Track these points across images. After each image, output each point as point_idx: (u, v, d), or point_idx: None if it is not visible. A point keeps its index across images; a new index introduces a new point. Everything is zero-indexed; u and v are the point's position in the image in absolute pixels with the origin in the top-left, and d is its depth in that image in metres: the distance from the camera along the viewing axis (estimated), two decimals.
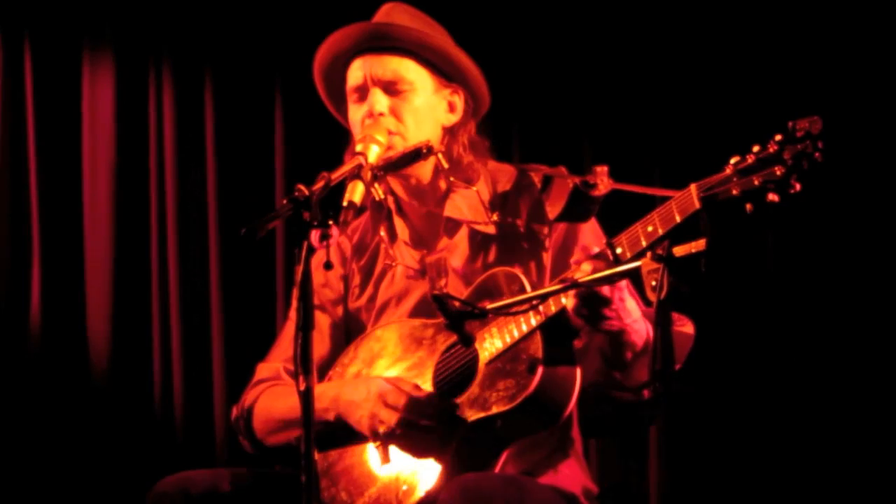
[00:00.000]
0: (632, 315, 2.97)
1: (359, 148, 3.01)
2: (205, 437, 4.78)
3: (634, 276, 2.82)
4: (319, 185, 2.80)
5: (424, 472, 3.14)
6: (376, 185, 3.17)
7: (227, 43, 4.86)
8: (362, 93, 3.36)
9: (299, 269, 2.69)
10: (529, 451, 3.25)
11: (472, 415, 3.10)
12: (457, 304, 2.95)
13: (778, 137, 2.53)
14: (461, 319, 2.95)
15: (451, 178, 3.39)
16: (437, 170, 3.37)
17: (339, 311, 3.52)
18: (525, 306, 2.99)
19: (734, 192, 2.60)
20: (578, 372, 3.07)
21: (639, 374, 3.06)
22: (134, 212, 4.90)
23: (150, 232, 4.86)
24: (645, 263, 2.73)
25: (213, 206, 4.80)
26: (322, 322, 3.50)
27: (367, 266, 3.51)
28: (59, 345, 4.88)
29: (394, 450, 3.19)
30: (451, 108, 3.41)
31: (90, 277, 4.88)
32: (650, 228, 2.75)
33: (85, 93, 4.92)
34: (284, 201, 2.76)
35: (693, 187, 2.67)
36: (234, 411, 3.48)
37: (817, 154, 2.51)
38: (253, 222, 2.75)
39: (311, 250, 2.71)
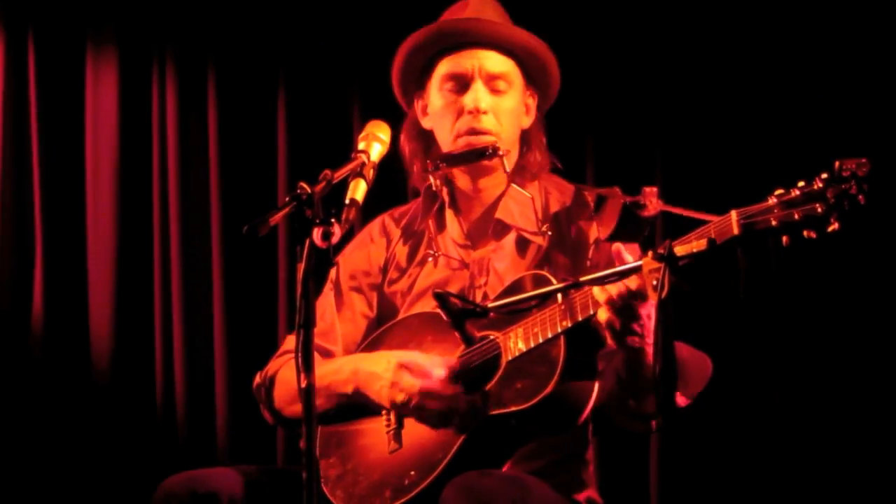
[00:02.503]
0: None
1: (361, 146, 3.02)
2: (207, 436, 4.78)
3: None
4: (322, 183, 2.81)
5: (432, 461, 3.15)
6: (432, 175, 3.34)
7: (230, 38, 4.86)
8: (461, 83, 3.40)
9: (301, 267, 2.70)
10: (539, 455, 3.27)
11: (488, 410, 3.12)
12: (458, 302, 2.96)
13: (824, 175, 2.54)
14: (463, 318, 2.96)
15: (511, 183, 3.44)
16: (498, 171, 3.42)
17: (375, 294, 3.55)
18: (526, 305, 3.00)
19: (773, 222, 2.61)
20: (597, 384, 3.09)
21: (652, 403, 3.07)
22: (136, 208, 4.91)
23: (153, 229, 4.86)
24: (646, 263, 2.74)
25: (216, 203, 4.80)
26: (357, 304, 3.54)
27: (410, 252, 3.54)
28: (62, 343, 4.89)
29: (406, 435, 3.21)
30: (528, 110, 3.48)
31: (93, 275, 4.88)
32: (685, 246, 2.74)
33: (88, 88, 4.92)
34: (287, 199, 2.77)
35: (734, 213, 2.67)
36: (257, 378, 3.50)
37: (861, 196, 2.51)
38: (255, 220, 2.76)
39: (314, 248, 2.71)
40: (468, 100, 3.38)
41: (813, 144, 4.17)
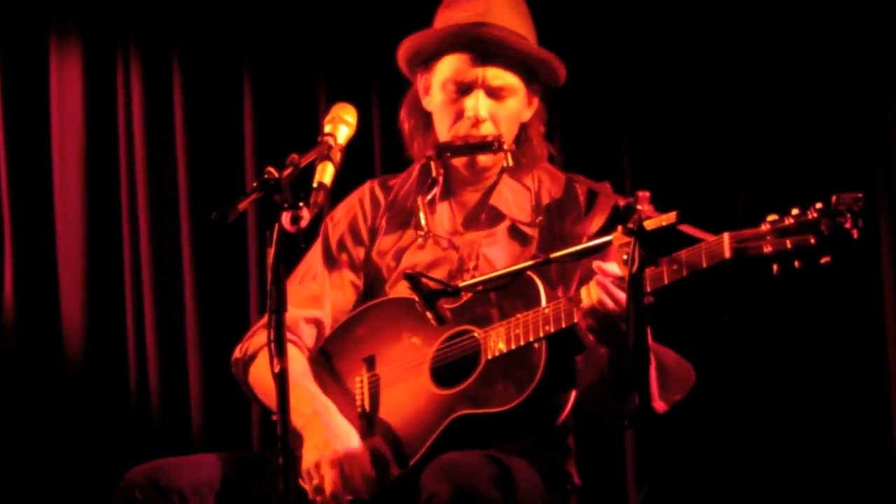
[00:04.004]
0: None
1: (328, 129, 3.01)
2: (181, 422, 4.77)
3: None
4: (289, 167, 2.80)
5: (406, 453, 3.17)
6: (434, 162, 3.35)
7: (194, 26, 4.84)
8: (463, 88, 3.41)
9: (271, 252, 2.69)
10: (515, 440, 3.27)
11: (463, 409, 3.13)
12: (429, 282, 2.96)
13: (819, 206, 2.55)
14: (434, 298, 2.96)
15: (507, 174, 3.47)
16: (499, 162, 3.45)
17: (363, 261, 3.56)
18: (497, 284, 3.00)
19: (765, 249, 2.63)
20: (574, 392, 3.12)
21: (632, 402, 3.05)
22: (105, 198, 4.88)
23: (122, 217, 4.84)
24: (616, 237, 2.74)
25: (184, 191, 4.78)
26: (346, 271, 3.55)
27: (399, 227, 3.54)
28: (34, 332, 4.87)
29: (377, 425, 3.22)
30: (530, 102, 3.49)
31: (63, 264, 4.86)
32: (675, 267, 2.78)
33: (53, 79, 4.89)
34: (255, 184, 2.76)
35: (726, 237, 2.69)
36: (236, 353, 3.51)
37: (854, 231, 2.53)
38: (224, 206, 2.75)
39: (283, 232, 2.71)
40: (468, 106, 3.39)
41: (780, 137, 4.18)
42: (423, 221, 3.51)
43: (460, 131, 3.40)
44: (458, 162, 3.46)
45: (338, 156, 2.96)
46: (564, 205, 3.44)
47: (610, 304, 2.90)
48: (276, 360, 2.67)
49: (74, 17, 4.92)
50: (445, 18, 3.48)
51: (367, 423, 3.28)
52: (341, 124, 3.04)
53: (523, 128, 3.50)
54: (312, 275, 3.56)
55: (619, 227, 2.74)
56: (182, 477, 3.19)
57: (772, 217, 2.62)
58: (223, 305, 4.75)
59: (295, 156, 2.85)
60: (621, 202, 2.78)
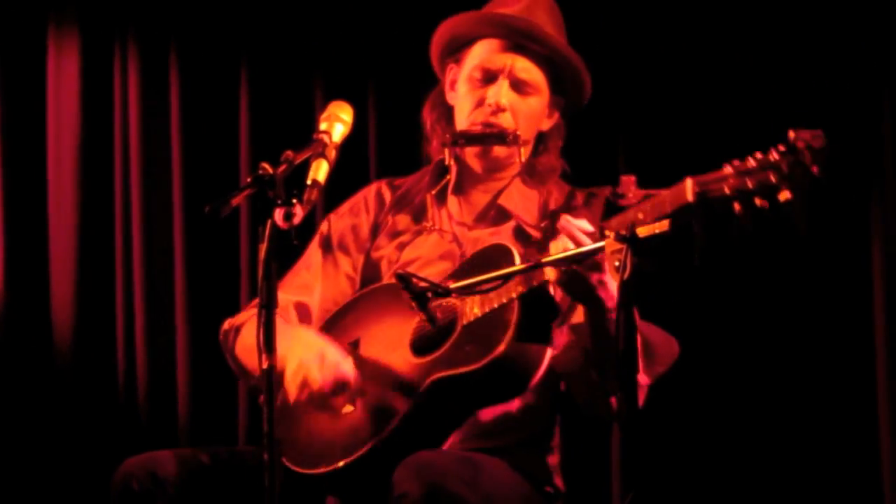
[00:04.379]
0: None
1: (323, 126, 3.01)
2: (168, 416, 4.76)
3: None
4: (283, 164, 2.80)
5: (383, 423, 3.16)
6: (448, 149, 3.38)
7: (192, 20, 4.84)
8: (489, 76, 3.43)
9: (263, 248, 2.69)
10: (503, 433, 3.27)
11: (438, 373, 3.12)
12: (421, 283, 2.96)
13: (781, 147, 2.56)
14: (425, 298, 2.96)
15: (519, 178, 3.48)
16: (511, 163, 3.48)
17: (362, 258, 3.56)
18: (488, 286, 3.00)
19: (726, 190, 2.63)
20: (549, 350, 3.10)
21: (613, 377, 3.04)
22: (98, 190, 4.88)
23: (115, 210, 4.85)
24: (608, 244, 2.75)
25: (178, 185, 4.78)
26: (342, 263, 3.56)
27: (404, 221, 3.55)
28: (23, 324, 4.86)
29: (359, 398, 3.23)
30: (551, 114, 3.51)
31: (54, 256, 4.86)
32: (640, 216, 2.76)
33: (50, 70, 4.89)
34: (248, 180, 2.76)
35: (689, 181, 2.69)
36: (225, 325, 3.52)
37: (815, 168, 2.54)
38: (217, 200, 2.75)
39: (276, 229, 2.71)
40: (490, 93, 3.41)
41: (777, 122, 4.17)
42: (429, 215, 3.52)
43: (478, 118, 3.42)
44: (471, 153, 3.48)
45: (333, 154, 2.96)
46: (565, 209, 3.44)
47: (572, 246, 2.89)
48: (264, 357, 2.66)
49: (73, 9, 4.92)
50: (489, 7, 3.52)
51: (350, 399, 3.27)
52: (337, 122, 3.04)
53: (541, 138, 3.52)
54: (307, 265, 3.57)
55: (612, 234, 2.74)
56: (178, 469, 3.18)
57: (736, 162, 2.63)
58: (213, 300, 4.74)
59: (290, 152, 2.85)
60: (608, 192, 2.80)
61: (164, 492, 3.14)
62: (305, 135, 3.04)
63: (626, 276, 2.67)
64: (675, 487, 4.16)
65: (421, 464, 2.95)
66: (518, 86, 3.42)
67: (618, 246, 2.71)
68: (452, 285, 2.99)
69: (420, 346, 3.25)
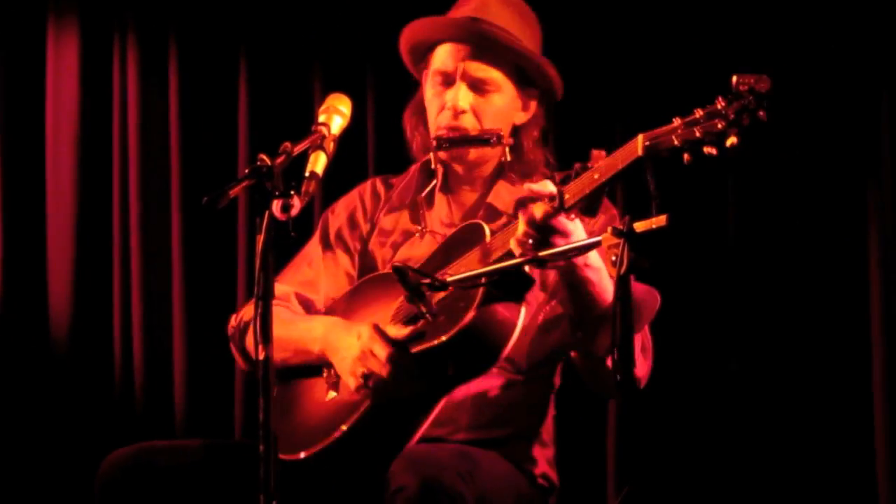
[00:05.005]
0: (590, 259, 3.02)
1: (322, 118, 3.01)
2: (164, 408, 4.77)
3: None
4: (282, 155, 2.80)
5: (357, 401, 3.19)
6: (434, 154, 3.42)
7: (192, 12, 4.84)
8: (447, 79, 3.45)
9: (261, 239, 2.69)
10: (498, 425, 3.28)
11: (415, 347, 3.13)
12: (418, 276, 2.97)
13: (728, 96, 2.57)
14: (422, 291, 2.96)
15: (504, 179, 3.49)
16: (498, 160, 3.49)
17: (358, 254, 3.58)
18: (485, 279, 3.01)
19: (675, 142, 2.64)
20: (521, 319, 3.08)
21: (603, 339, 3.09)
22: (97, 180, 4.88)
23: (113, 201, 4.85)
24: (605, 238, 2.75)
25: (176, 175, 4.78)
26: (341, 260, 3.58)
27: (397, 222, 3.57)
28: (20, 317, 4.87)
29: (343, 384, 3.25)
30: (525, 106, 3.50)
31: (52, 246, 4.86)
32: (596, 176, 2.79)
33: (49, 59, 4.89)
34: (246, 171, 2.76)
35: (640, 137, 2.71)
36: (233, 321, 3.52)
37: (761, 112, 2.55)
38: (215, 192, 2.75)
39: (274, 220, 2.71)
40: (448, 97, 3.43)
41: (771, 133, 4.17)
42: (420, 217, 3.53)
43: (442, 122, 3.43)
44: (456, 163, 3.49)
45: (331, 146, 2.97)
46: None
47: (537, 215, 2.90)
48: (260, 347, 2.67)
49: (72, 1, 4.91)
50: (449, 13, 3.53)
51: (335, 383, 3.30)
52: (335, 114, 3.04)
53: (517, 131, 3.51)
54: (308, 261, 3.59)
55: (609, 229, 2.75)
56: (165, 460, 3.19)
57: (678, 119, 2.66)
58: (211, 292, 4.75)
59: (288, 144, 2.85)
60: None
61: (150, 483, 3.14)
62: (304, 127, 3.05)
63: (622, 270, 2.68)
64: (670, 486, 4.15)
65: (417, 457, 2.96)
66: (476, 86, 3.42)
67: (615, 241, 2.72)
68: (449, 278, 3.00)
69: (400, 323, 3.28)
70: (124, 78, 4.86)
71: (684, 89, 4.25)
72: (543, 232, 2.91)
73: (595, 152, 2.78)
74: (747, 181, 4.20)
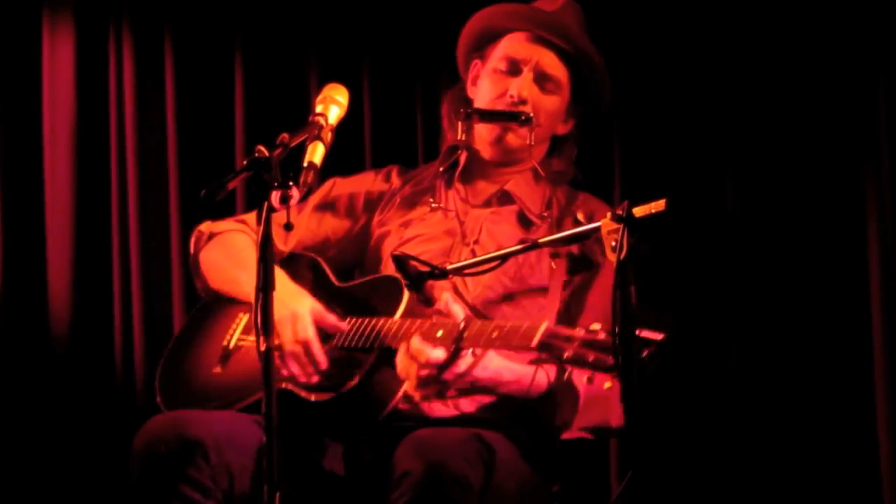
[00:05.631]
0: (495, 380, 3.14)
1: (319, 108, 3.02)
2: None
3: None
4: (279, 146, 2.80)
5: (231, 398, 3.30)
6: (461, 123, 3.42)
7: (187, 5, 4.82)
8: (514, 68, 3.48)
9: (260, 230, 2.69)
10: (500, 410, 3.30)
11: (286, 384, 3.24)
12: (417, 265, 2.97)
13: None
14: (421, 280, 2.97)
15: (534, 170, 3.53)
16: (525, 154, 3.51)
17: (346, 226, 3.63)
18: (485, 267, 3.02)
19: (565, 354, 2.80)
20: (392, 402, 3.15)
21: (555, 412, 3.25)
22: (94, 174, 4.87)
23: (111, 194, 4.83)
24: (605, 224, 2.76)
25: (174, 168, 4.77)
26: (328, 220, 3.64)
27: (411, 199, 3.61)
28: (20, 311, 4.85)
29: (233, 363, 3.36)
30: (567, 120, 3.56)
31: (51, 240, 4.85)
32: (495, 335, 2.95)
33: (45, 54, 4.87)
34: (244, 163, 2.76)
35: (543, 326, 2.87)
36: (203, 226, 3.65)
37: (648, 368, 2.69)
38: (213, 184, 2.75)
39: (272, 211, 2.71)
40: (513, 86, 3.45)
41: (770, 125, 4.17)
42: (437, 195, 3.57)
43: (499, 107, 3.47)
44: (484, 141, 3.51)
45: (328, 136, 2.97)
46: (564, 212, 3.51)
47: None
48: (261, 339, 2.66)
49: None
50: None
51: (224, 359, 3.38)
52: (332, 105, 3.04)
53: (555, 142, 3.57)
54: (298, 208, 3.60)
55: (609, 214, 2.76)
56: (202, 427, 3.13)
57: (594, 326, 2.76)
58: None
59: (285, 135, 2.85)
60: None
61: (189, 453, 3.09)
62: (301, 117, 3.05)
63: (622, 256, 2.68)
64: (672, 472, 4.15)
65: (423, 442, 2.97)
66: (541, 80, 3.46)
67: (614, 226, 2.73)
68: (449, 266, 3.00)
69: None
70: (120, 71, 4.85)
71: (683, 82, 4.25)
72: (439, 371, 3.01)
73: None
74: (746, 169, 4.18)
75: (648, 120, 4.30)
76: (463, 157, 3.57)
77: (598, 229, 2.79)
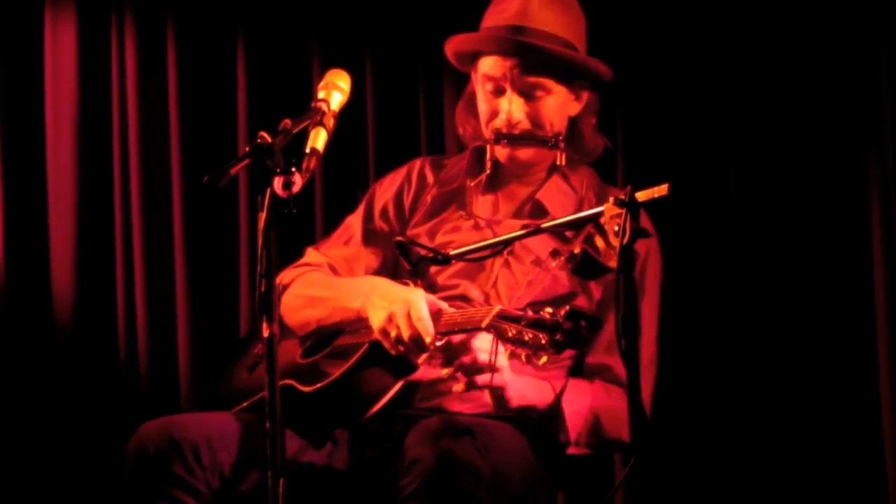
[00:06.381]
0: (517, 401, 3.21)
1: (321, 95, 3.01)
2: (170, 387, 4.77)
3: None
4: (282, 132, 2.80)
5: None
6: (490, 146, 3.48)
7: None
8: (497, 87, 3.47)
9: (262, 217, 2.69)
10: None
11: (289, 380, 3.31)
12: (420, 250, 2.97)
13: (566, 324, 2.82)
14: (423, 265, 2.97)
15: (558, 174, 3.55)
16: (552, 160, 3.52)
17: (397, 233, 3.60)
18: (487, 252, 3.02)
19: (508, 333, 2.90)
20: (390, 393, 3.20)
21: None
22: (97, 162, 4.87)
23: (113, 181, 4.83)
24: (608, 209, 2.76)
25: (176, 155, 4.77)
26: (381, 237, 3.62)
27: (442, 204, 3.60)
28: (23, 298, 4.86)
29: None
30: (578, 97, 3.53)
31: (54, 229, 4.85)
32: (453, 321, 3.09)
33: (47, 43, 4.87)
34: (247, 149, 2.76)
35: (495, 309, 2.96)
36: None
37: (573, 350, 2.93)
38: (215, 170, 2.75)
39: (275, 198, 2.71)
40: (502, 108, 3.46)
41: (772, 113, 4.16)
42: (468, 202, 3.56)
43: (497, 126, 3.48)
44: (501, 154, 3.51)
45: (331, 122, 2.96)
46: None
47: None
48: (265, 325, 2.66)
49: None
50: (487, 18, 3.54)
51: (255, 365, 3.52)
52: (335, 90, 3.04)
53: (574, 122, 3.55)
54: (347, 238, 3.63)
55: (611, 199, 2.76)
56: (194, 430, 3.19)
57: (549, 309, 2.84)
58: (213, 270, 4.75)
59: (288, 121, 2.85)
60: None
61: (180, 454, 3.14)
62: (303, 103, 3.04)
63: (625, 240, 2.68)
64: (675, 460, 4.15)
65: (434, 429, 2.97)
66: (527, 91, 3.44)
67: (617, 210, 2.73)
68: (452, 252, 3.00)
69: (314, 348, 3.42)
70: (122, 58, 4.84)
71: (681, 66, 4.24)
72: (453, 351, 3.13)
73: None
74: (748, 153, 4.18)
75: (651, 104, 4.29)
76: (489, 166, 3.55)
77: (601, 213, 2.79)
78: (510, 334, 2.86)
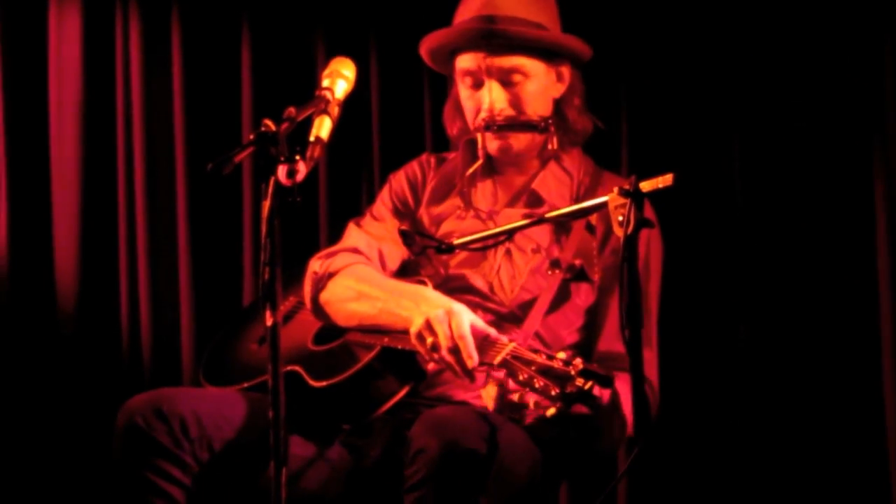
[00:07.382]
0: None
1: (326, 83, 3.01)
2: (172, 377, 4.77)
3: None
4: (286, 120, 2.80)
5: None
6: (481, 135, 3.45)
7: None
8: (476, 80, 3.47)
9: (266, 205, 2.69)
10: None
11: (295, 366, 3.34)
12: (423, 239, 2.97)
13: (578, 382, 2.79)
14: (428, 256, 2.97)
15: (553, 160, 3.54)
16: (544, 146, 3.51)
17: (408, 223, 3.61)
18: (490, 242, 3.02)
19: (520, 376, 2.87)
20: (396, 398, 3.21)
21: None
22: (101, 151, 4.87)
23: (117, 169, 4.83)
24: (612, 199, 2.76)
25: (181, 143, 4.76)
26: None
27: (441, 197, 3.61)
28: (27, 286, 4.86)
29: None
30: (559, 77, 3.52)
31: (58, 217, 4.85)
32: None
33: (52, 31, 4.86)
34: (251, 137, 2.76)
35: (510, 346, 2.94)
36: (318, 265, 3.52)
37: (583, 408, 2.86)
38: (219, 158, 2.75)
39: (279, 186, 2.71)
40: (483, 100, 3.45)
41: (777, 84, 4.15)
42: (466, 193, 3.57)
43: (481, 123, 3.47)
44: (492, 147, 3.50)
45: (335, 110, 2.96)
46: (590, 193, 3.49)
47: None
48: (268, 314, 2.67)
49: None
50: (457, 16, 3.55)
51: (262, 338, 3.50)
52: (339, 79, 3.04)
53: (559, 104, 3.54)
54: (379, 215, 3.63)
55: (615, 189, 2.76)
56: (183, 403, 3.21)
57: (561, 355, 2.82)
58: (217, 258, 4.75)
59: (292, 109, 2.84)
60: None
61: (168, 426, 3.17)
62: (308, 92, 3.04)
63: (629, 230, 2.68)
64: (678, 450, 4.15)
65: (438, 420, 2.98)
66: (505, 79, 3.44)
67: (621, 200, 2.73)
68: (455, 241, 3.00)
69: (322, 336, 3.44)
70: (127, 45, 4.84)
71: (685, 37, 4.23)
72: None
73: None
74: (753, 141, 4.17)
75: (656, 92, 4.28)
76: (482, 156, 3.53)
77: (604, 204, 2.79)
78: (521, 377, 2.85)
